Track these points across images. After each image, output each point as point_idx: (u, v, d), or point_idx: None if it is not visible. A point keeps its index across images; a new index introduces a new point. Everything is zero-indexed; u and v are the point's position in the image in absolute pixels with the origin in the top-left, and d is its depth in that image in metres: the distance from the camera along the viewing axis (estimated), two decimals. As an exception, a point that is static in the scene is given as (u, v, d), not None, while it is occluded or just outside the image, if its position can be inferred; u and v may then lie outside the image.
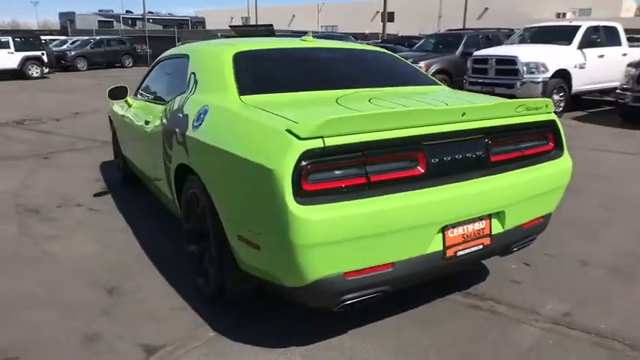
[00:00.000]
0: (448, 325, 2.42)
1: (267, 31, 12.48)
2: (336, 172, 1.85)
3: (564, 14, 40.17)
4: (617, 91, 8.34)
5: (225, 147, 2.06)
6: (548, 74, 8.63)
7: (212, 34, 29.67)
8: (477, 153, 2.17)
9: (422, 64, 10.55)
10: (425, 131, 1.99)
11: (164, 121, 2.89)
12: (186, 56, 3.08)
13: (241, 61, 2.67)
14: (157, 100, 3.40)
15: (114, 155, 5.26)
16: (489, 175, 2.19)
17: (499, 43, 11.52)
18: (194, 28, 33.35)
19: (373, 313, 2.49)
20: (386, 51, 3.36)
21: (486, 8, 41.74)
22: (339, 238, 1.80)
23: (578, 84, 9.05)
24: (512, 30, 12.73)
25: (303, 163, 1.76)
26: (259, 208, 1.88)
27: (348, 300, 1.97)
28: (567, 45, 9.08)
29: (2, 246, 3.47)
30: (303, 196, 1.77)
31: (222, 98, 2.42)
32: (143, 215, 4.08)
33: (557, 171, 2.45)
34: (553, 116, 2.48)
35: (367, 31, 35.58)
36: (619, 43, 9.69)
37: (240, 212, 2.04)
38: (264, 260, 1.99)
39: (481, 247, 2.22)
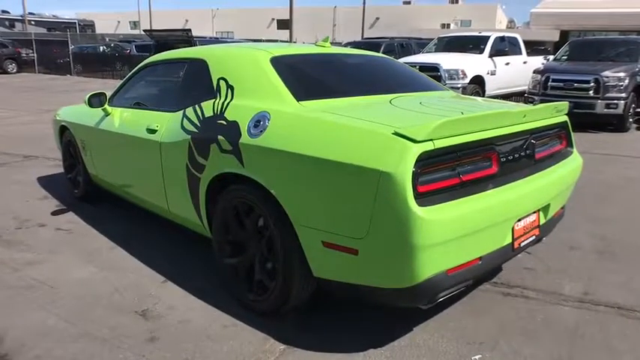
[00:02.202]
0: (497, 312, 2.60)
1: (186, 35, 12.08)
2: (439, 173, 1.92)
3: (449, 25, 43.98)
4: (526, 95, 9.37)
5: (313, 153, 2.03)
6: (467, 80, 9.42)
7: (100, 38, 27.77)
8: (528, 152, 2.37)
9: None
10: (498, 132, 2.14)
11: (189, 129, 2.72)
12: (200, 61, 2.93)
13: (280, 66, 2.61)
14: (159, 106, 3.18)
15: (65, 170, 4.76)
16: (538, 172, 2.40)
17: (412, 49, 12.31)
18: (82, 32, 30.85)
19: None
20: (390, 57, 3.49)
21: (377, 18, 44.08)
22: (451, 236, 1.88)
23: (490, 89, 9.99)
24: (421, 39, 13.65)
25: (418, 165, 1.81)
26: (367, 211, 1.88)
27: (443, 296, 2.04)
28: (480, 54, 9.99)
29: (-23, 278, 3.01)
30: (417, 197, 1.82)
31: (279, 104, 2.36)
32: (126, 231, 3.77)
33: (575, 167, 2.75)
34: (566, 118, 2.79)
35: (264, 38, 35.70)
36: (520, 52, 10.89)
37: (332, 218, 2.02)
38: (362, 264, 1.99)
39: (534, 237, 2.42)
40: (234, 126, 2.42)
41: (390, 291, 1.99)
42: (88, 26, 34.80)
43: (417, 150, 1.81)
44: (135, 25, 55.14)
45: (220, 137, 2.47)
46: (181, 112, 2.88)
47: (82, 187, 4.43)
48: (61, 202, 4.50)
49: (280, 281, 2.32)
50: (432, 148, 1.85)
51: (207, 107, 2.67)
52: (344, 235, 1.99)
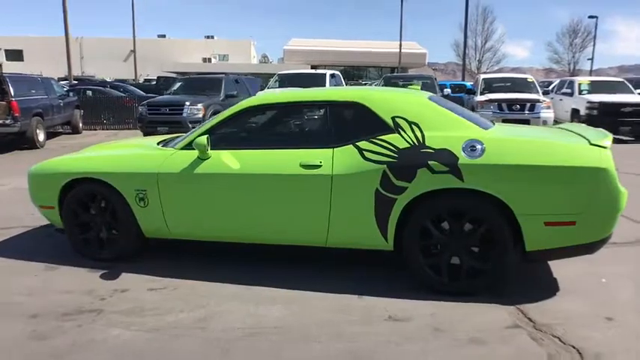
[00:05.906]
0: (584, 258, 3.82)
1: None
2: (610, 167, 3.18)
3: (210, 59, 45.59)
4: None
5: (538, 163, 3.01)
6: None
7: None
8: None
9: (200, 106, 11.22)
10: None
11: (376, 159, 3.23)
12: (354, 103, 3.46)
13: (437, 103, 3.48)
14: (302, 144, 3.51)
15: (72, 231, 4.08)
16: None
17: (244, 85, 13.29)
18: None
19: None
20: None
21: (132, 50, 42.46)
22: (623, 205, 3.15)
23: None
24: (247, 74, 14.67)
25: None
26: (588, 193, 2.98)
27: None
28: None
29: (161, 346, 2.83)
30: (617, 180, 3.04)
31: (474, 133, 3.24)
32: (225, 270, 3.78)
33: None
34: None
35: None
36: (342, 84, 13.09)
37: (555, 204, 3.02)
38: (576, 230, 3.04)
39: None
40: (445, 152, 3.15)
41: (588, 244, 3.11)
42: None
43: (609, 153, 3.04)
44: None
45: (432, 162, 3.15)
46: (349, 146, 3.34)
47: (121, 246, 4.00)
48: (86, 268, 3.91)
49: (499, 262, 3.16)
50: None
51: (396, 140, 3.27)
52: (565, 213, 3.04)
